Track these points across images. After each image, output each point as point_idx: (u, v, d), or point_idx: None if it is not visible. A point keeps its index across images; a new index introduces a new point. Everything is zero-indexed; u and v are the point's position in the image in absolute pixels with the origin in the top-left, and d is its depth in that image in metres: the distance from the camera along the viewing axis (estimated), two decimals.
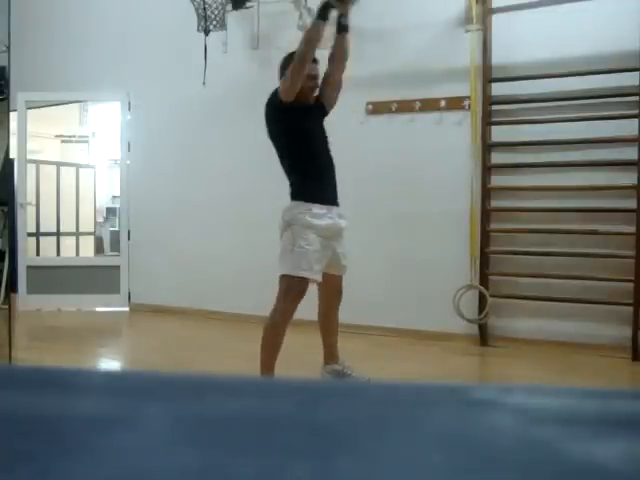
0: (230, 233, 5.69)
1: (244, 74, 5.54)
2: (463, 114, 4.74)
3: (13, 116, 5.68)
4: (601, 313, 4.35)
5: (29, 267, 6.23)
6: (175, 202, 5.96)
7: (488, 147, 4.65)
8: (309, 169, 3.22)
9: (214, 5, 5.14)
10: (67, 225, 7.34)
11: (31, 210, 6.58)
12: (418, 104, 4.89)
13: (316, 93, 3.27)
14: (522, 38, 4.53)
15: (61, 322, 5.75)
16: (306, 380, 0.65)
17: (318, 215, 3.15)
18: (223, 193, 5.71)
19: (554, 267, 4.45)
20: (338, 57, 3.31)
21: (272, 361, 3.11)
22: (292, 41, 3.19)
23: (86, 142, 8.75)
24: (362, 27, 4.90)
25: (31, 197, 6.53)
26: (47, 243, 7.16)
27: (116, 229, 7.25)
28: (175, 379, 0.57)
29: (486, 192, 4.64)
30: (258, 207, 5.44)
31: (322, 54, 3.27)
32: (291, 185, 3.23)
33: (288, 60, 3.16)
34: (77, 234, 7.52)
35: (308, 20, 4.38)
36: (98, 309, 6.19)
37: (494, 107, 4.66)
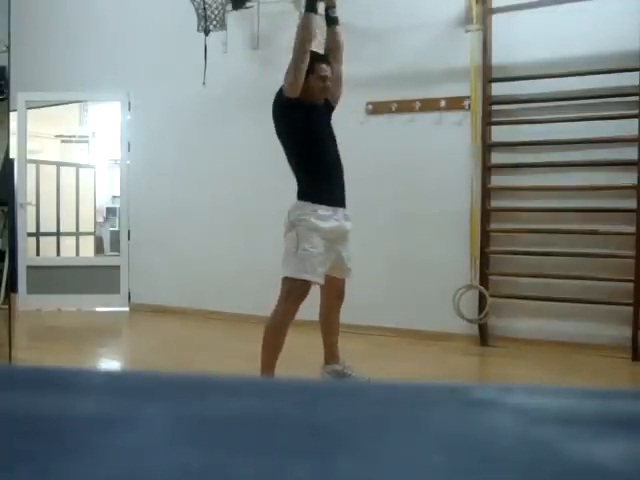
0: (230, 233, 5.70)
1: (244, 74, 5.55)
2: (463, 114, 4.74)
3: (13, 116, 5.68)
4: (601, 313, 4.35)
5: (29, 267, 6.23)
6: (175, 202, 5.97)
7: (488, 147, 4.65)
8: (316, 169, 3.20)
9: (214, 5, 5.14)
10: (67, 225, 7.34)
11: (31, 210, 6.58)
12: (418, 104, 4.89)
13: (327, 95, 3.25)
14: (522, 38, 4.53)
15: (61, 322, 5.75)
16: (306, 380, 0.65)
17: (324, 217, 3.13)
18: (223, 193, 5.71)
19: (554, 267, 4.45)
20: (333, 49, 3.31)
21: (273, 362, 3.11)
22: (292, 41, 3.18)
23: (86, 142, 8.75)
24: (362, 27, 4.92)
25: (31, 197, 6.53)
26: (47, 243, 7.16)
27: (116, 229, 7.25)
28: (175, 379, 0.57)
29: (486, 192, 4.64)
30: (258, 207, 5.45)
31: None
32: (298, 184, 3.21)
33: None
34: (77, 234, 7.52)
35: None
36: (98, 309, 6.19)
37: (494, 107, 4.66)
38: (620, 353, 4.21)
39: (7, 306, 4.29)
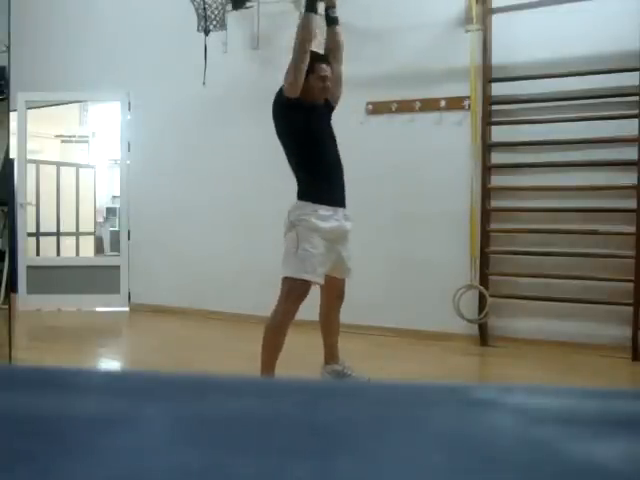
0: (230, 233, 5.70)
1: (244, 74, 5.55)
2: (463, 114, 4.74)
3: (13, 116, 5.68)
4: (601, 313, 4.35)
5: (29, 267, 6.23)
6: (175, 202, 5.97)
7: (488, 147, 4.65)
8: (316, 169, 3.20)
9: (214, 5, 5.14)
10: (67, 225, 7.34)
11: (31, 210, 6.58)
12: (418, 104, 4.89)
13: (327, 95, 3.25)
14: (522, 38, 4.53)
15: (61, 322, 5.75)
16: (306, 380, 0.65)
17: (324, 217, 3.13)
18: (223, 193, 5.71)
19: (554, 267, 4.45)
20: (333, 49, 3.31)
21: (273, 362, 3.11)
22: (292, 41, 3.18)
23: (86, 142, 8.75)
24: (362, 27, 4.91)
25: (31, 197, 6.53)
26: (47, 243, 7.16)
27: (116, 229, 7.26)
28: (175, 379, 0.57)
29: (486, 192, 4.64)
30: (258, 207, 5.45)
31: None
32: (298, 184, 3.21)
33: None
34: (77, 234, 7.52)
35: None
36: (98, 309, 6.19)
37: (494, 107, 4.66)
38: (620, 353, 4.20)
39: (7, 306, 4.30)
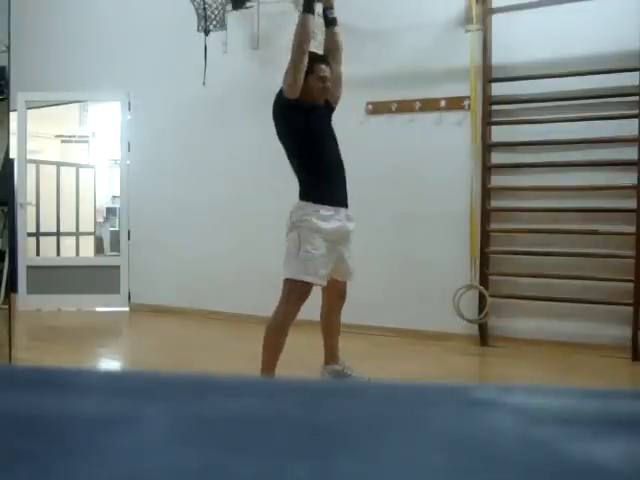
0: (230, 233, 5.70)
1: (244, 74, 5.55)
2: (463, 114, 4.74)
3: (13, 116, 5.68)
4: (601, 313, 4.35)
5: (29, 267, 6.23)
6: (175, 202, 5.97)
7: (488, 147, 4.65)
8: (317, 169, 3.20)
9: (214, 5, 5.14)
10: (67, 225, 7.34)
11: (31, 210, 6.58)
12: (418, 104, 4.89)
13: (326, 95, 3.25)
14: (522, 38, 4.53)
15: (61, 322, 5.75)
16: (306, 380, 0.65)
17: (326, 217, 3.13)
18: (223, 193, 5.72)
19: (554, 267, 4.45)
20: (333, 50, 3.31)
21: (273, 362, 3.11)
22: (291, 42, 3.18)
23: (86, 142, 8.75)
24: (362, 27, 4.92)
25: (31, 197, 6.53)
26: (47, 243, 7.16)
27: (116, 229, 7.26)
28: (175, 379, 0.57)
29: (486, 192, 4.64)
30: (258, 207, 5.45)
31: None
32: (300, 185, 3.20)
33: None
34: (77, 234, 7.52)
35: None
36: (98, 309, 6.19)
37: (494, 107, 4.66)
38: (620, 353, 4.21)
39: (7, 306, 4.30)
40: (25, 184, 6.34)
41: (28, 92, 6.05)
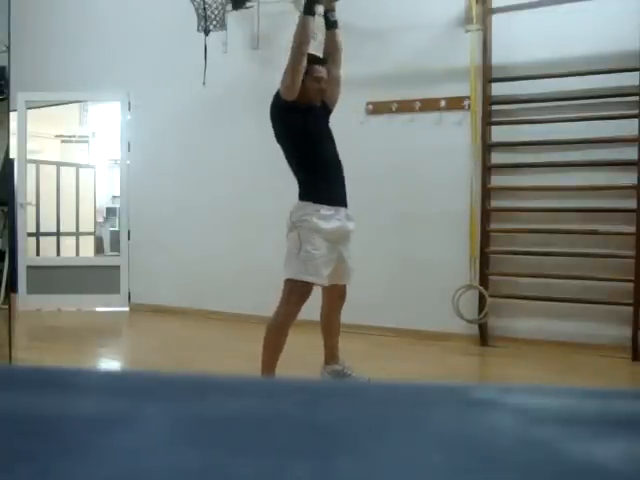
0: (230, 233, 5.70)
1: (244, 74, 5.55)
2: (463, 114, 4.74)
3: (13, 116, 5.68)
4: (601, 313, 4.35)
5: (29, 267, 6.23)
6: (175, 202, 5.97)
7: (488, 147, 4.65)
8: (315, 169, 3.20)
9: (214, 5, 5.14)
10: (67, 225, 7.34)
11: (31, 210, 6.58)
12: (418, 104, 4.89)
13: (322, 96, 3.25)
14: (522, 38, 4.53)
15: (61, 322, 5.75)
16: (306, 380, 0.65)
17: (326, 217, 3.13)
18: (223, 193, 5.72)
19: (554, 267, 4.45)
20: (332, 52, 3.31)
21: (274, 362, 3.11)
22: (291, 43, 3.18)
23: (86, 142, 8.75)
24: (362, 27, 4.91)
25: (31, 197, 6.53)
26: (47, 243, 7.16)
27: (116, 229, 7.26)
28: (175, 379, 0.57)
29: (486, 192, 4.64)
30: (258, 207, 5.45)
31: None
32: (299, 185, 3.21)
33: None
34: (77, 234, 7.52)
35: None
36: (98, 309, 6.19)
37: (494, 107, 4.66)
38: (620, 353, 4.21)
39: (7, 306, 4.30)
40: (25, 184, 6.34)
41: (28, 92, 6.05)
